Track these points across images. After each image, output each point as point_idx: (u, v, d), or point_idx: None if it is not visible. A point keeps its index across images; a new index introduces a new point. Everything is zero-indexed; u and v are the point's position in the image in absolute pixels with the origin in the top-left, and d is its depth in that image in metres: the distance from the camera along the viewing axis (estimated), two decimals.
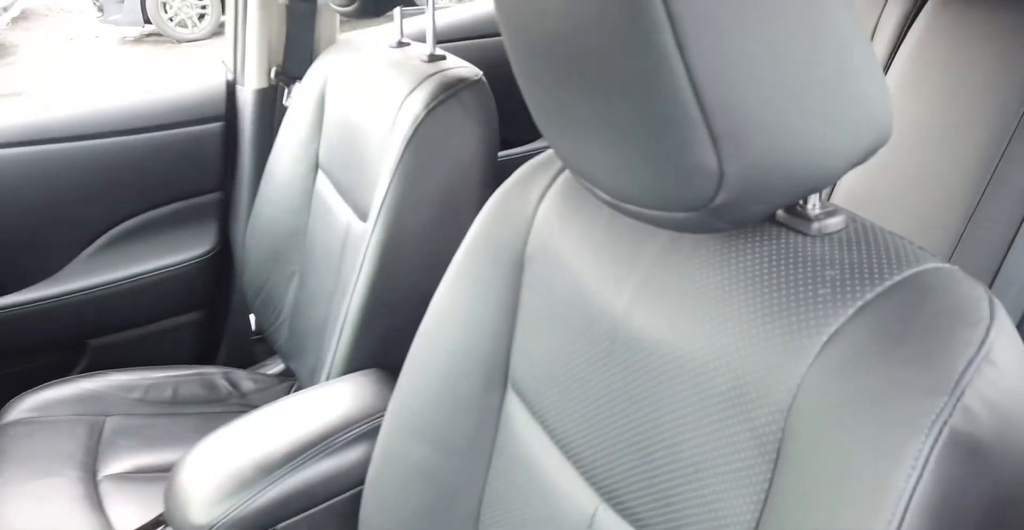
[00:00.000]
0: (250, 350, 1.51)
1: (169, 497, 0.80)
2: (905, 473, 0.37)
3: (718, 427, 0.47)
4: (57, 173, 1.33)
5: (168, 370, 1.35)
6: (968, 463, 0.37)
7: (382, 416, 0.78)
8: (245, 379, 1.40)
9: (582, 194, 0.62)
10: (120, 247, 1.42)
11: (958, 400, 0.38)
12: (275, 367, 1.46)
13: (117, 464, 1.14)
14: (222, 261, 1.50)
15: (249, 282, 1.38)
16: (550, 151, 0.69)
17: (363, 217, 1.10)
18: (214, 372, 1.39)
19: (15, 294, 1.31)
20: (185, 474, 0.80)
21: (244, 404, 1.33)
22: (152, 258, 1.43)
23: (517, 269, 0.65)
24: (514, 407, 0.67)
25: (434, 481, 0.71)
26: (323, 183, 1.25)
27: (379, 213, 1.00)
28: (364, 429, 0.83)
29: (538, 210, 0.64)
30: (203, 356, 1.48)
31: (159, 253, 1.44)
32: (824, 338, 0.42)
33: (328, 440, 0.82)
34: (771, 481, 0.43)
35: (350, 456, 0.82)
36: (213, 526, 0.76)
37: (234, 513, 0.77)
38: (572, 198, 0.62)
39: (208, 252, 1.48)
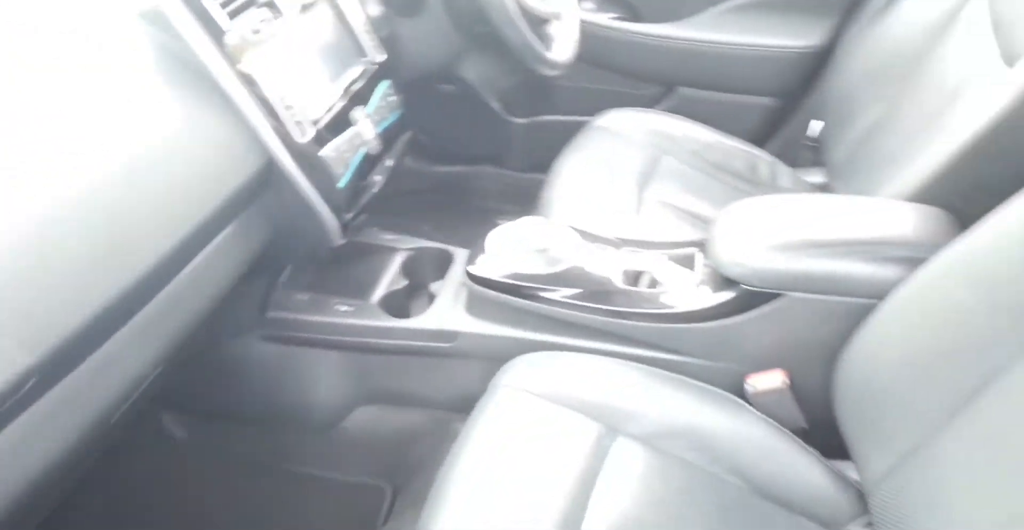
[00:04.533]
0: (796, 153, 1.55)
1: (716, 232, 0.93)
2: None
3: None
4: None
5: (727, 139, 1.48)
6: None
7: (932, 252, 0.78)
8: (785, 175, 1.47)
9: None
10: (741, 15, 1.51)
11: None
12: (814, 177, 1.49)
13: (661, 193, 1.33)
14: (816, 60, 1.50)
15: (834, 88, 1.38)
16: None
17: (1009, 59, 0.99)
18: (763, 158, 1.48)
19: (644, 23, 1.52)
20: (734, 219, 0.92)
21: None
22: (763, 33, 1.50)
23: None
24: None
25: (963, 326, 0.71)
26: (974, 8, 1.13)
27: None
28: (909, 253, 0.84)
29: None
30: (757, 141, 1.56)
31: (770, 29, 1.50)
32: None
33: (874, 246, 0.85)
34: None
35: (885, 271, 0.84)
36: (745, 265, 0.88)
37: (765, 265, 0.87)
38: None
39: (812, 46, 1.49)
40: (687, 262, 0.99)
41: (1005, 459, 0.64)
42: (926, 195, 0.94)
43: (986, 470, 0.66)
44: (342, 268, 1.15)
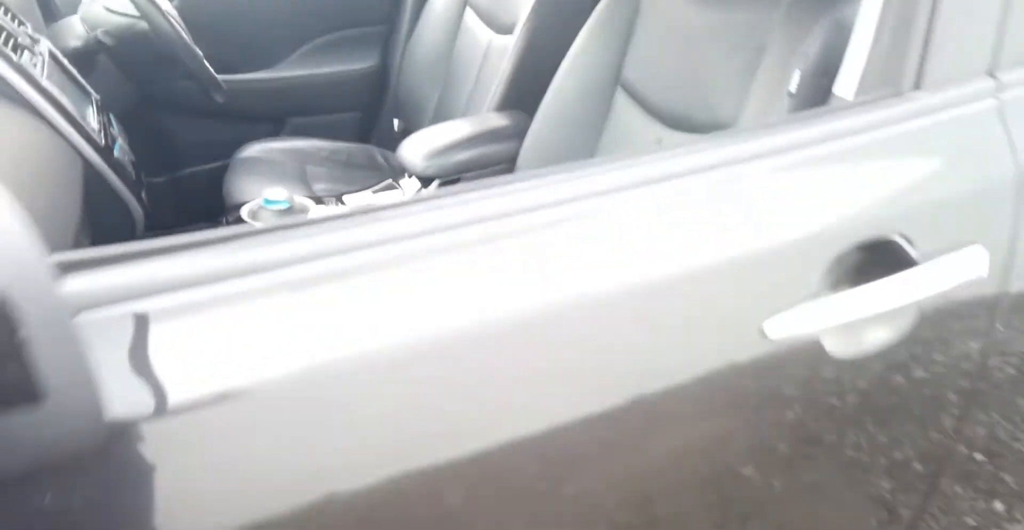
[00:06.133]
0: (393, 145, 2.06)
1: (405, 151, 1.36)
2: None
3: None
4: None
5: (342, 144, 1.91)
6: None
7: (527, 124, 1.33)
8: (393, 159, 1.95)
9: None
10: (316, 54, 1.98)
11: None
12: None
13: (323, 188, 1.71)
14: (379, 76, 2.04)
15: (401, 93, 1.92)
16: None
17: (505, 31, 1.62)
18: (374, 150, 1.95)
19: (245, 73, 1.88)
20: (415, 140, 1.37)
21: (392, 173, 1.89)
22: (334, 64, 1.99)
23: (634, 9, 1.19)
24: (620, 96, 1.22)
25: (560, 154, 1.26)
26: (469, 15, 1.78)
27: (524, 22, 1.51)
28: (512, 132, 1.37)
29: None
30: (362, 143, 2.03)
31: (339, 61, 1.99)
32: None
33: (491, 132, 1.37)
34: None
35: (508, 145, 1.37)
36: (433, 164, 1.32)
37: (440, 162, 1.33)
38: None
39: (370, 66, 2.03)
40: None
41: None
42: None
43: None
44: None
